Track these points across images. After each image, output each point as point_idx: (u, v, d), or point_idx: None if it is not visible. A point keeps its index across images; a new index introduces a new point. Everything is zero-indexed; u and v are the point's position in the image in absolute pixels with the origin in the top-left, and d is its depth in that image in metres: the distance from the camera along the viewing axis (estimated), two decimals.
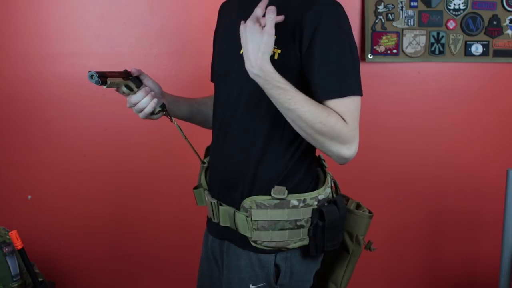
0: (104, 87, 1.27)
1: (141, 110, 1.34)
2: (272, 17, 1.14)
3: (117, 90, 1.33)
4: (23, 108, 2.24)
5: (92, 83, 1.25)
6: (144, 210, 2.31)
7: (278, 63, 1.18)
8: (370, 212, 1.39)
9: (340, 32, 1.19)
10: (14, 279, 1.77)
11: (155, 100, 1.33)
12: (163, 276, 2.37)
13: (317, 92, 1.19)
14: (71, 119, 2.25)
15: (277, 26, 1.19)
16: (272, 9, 1.15)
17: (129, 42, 2.22)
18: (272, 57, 1.17)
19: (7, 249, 1.76)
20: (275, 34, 1.16)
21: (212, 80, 1.51)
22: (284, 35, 1.19)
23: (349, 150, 1.18)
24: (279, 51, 1.20)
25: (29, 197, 2.29)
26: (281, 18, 1.19)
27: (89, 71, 1.24)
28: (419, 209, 2.39)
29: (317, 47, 1.17)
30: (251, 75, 1.15)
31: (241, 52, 1.22)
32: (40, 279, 1.81)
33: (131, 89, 1.32)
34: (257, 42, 1.13)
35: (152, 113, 1.35)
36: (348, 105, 1.18)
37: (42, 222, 2.30)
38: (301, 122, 1.15)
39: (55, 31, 2.21)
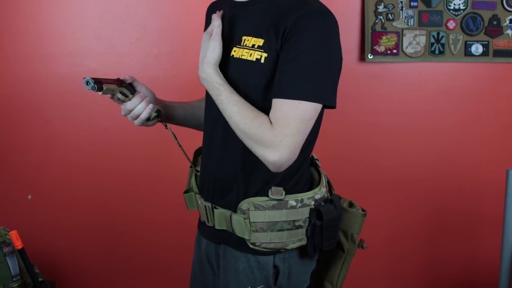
0: (100, 93, 1.27)
1: (137, 117, 1.32)
2: (216, 24, 1.22)
3: (112, 97, 1.33)
4: (23, 108, 2.24)
5: (88, 89, 1.25)
6: (143, 210, 2.32)
7: (264, 67, 1.18)
8: (363, 210, 1.38)
9: (318, 41, 1.15)
10: (14, 279, 1.77)
11: (150, 105, 1.32)
12: (162, 276, 2.37)
13: (278, 90, 1.17)
14: (71, 119, 2.25)
15: (267, 30, 1.19)
16: (215, 16, 1.24)
17: (129, 42, 2.22)
18: (259, 61, 1.19)
19: (7, 249, 1.76)
20: (263, 38, 1.19)
21: None
22: (271, 39, 1.19)
23: (273, 155, 1.13)
24: (266, 55, 1.19)
25: (29, 197, 2.29)
26: (220, 13, 1.27)
27: (84, 78, 1.24)
28: (419, 209, 2.39)
29: (286, 48, 1.16)
30: (201, 81, 1.22)
31: (231, 54, 1.24)
32: (40, 279, 1.81)
33: (126, 96, 1.31)
34: (205, 49, 1.22)
35: (148, 119, 1.34)
36: (286, 110, 1.14)
37: (42, 222, 2.30)
38: (231, 122, 1.19)
39: (55, 31, 2.21)
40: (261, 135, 1.14)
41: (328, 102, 1.18)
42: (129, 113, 1.32)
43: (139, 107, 1.31)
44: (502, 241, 1.89)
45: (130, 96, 1.32)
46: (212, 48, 1.21)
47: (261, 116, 1.16)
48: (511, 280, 1.90)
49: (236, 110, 1.17)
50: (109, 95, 1.31)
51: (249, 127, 1.15)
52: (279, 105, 1.15)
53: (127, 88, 1.33)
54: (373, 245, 1.45)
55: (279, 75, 1.16)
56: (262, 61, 1.19)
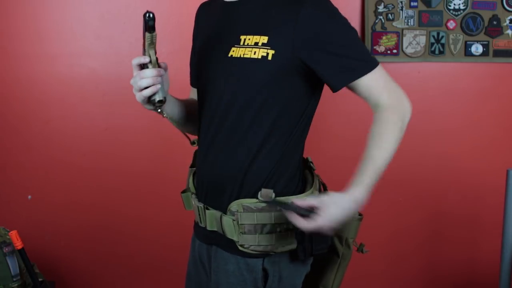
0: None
1: (140, 89, 1.19)
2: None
3: (144, 47, 1.27)
4: (23, 108, 2.24)
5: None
6: (143, 210, 2.32)
7: (272, 63, 1.19)
8: (360, 214, 1.37)
9: (336, 19, 1.22)
10: (14, 279, 1.77)
11: (158, 86, 1.19)
12: (162, 276, 2.37)
13: (349, 73, 1.22)
14: (71, 119, 2.25)
15: (269, 27, 1.20)
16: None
17: (129, 42, 2.22)
18: (265, 58, 1.18)
19: (7, 249, 1.76)
20: (267, 35, 1.19)
21: (192, 85, 1.48)
22: (276, 36, 1.19)
23: (409, 104, 1.26)
24: (273, 51, 1.19)
25: (29, 197, 2.29)
26: None
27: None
28: (419, 210, 2.38)
29: (321, 40, 1.19)
30: (358, 207, 1.24)
31: (229, 55, 1.23)
32: (40, 279, 1.81)
33: (150, 59, 1.22)
34: (337, 205, 1.19)
35: (149, 100, 1.21)
36: (380, 75, 1.23)
37: (42, 222, 2.30)
38: (390, 159, 1.25)
39: (55, 31, 2.21)
40: (398, 123, 1.25)
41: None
42: (139, 81, 1.20)
43: (148, 80, 1.19)
44: (502, 241, 1.89)
45: (153, 63, 1.22)
46: (337, 203, 1.20)
47: (382, 130, 1.26)
48: (511, 281, 1.90)
49: (384, 157, 1.25)
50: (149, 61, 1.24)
51: (395, 141, 1.25)
52: (367, 81, 1.22)
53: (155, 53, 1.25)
54: (373, 245, 1.44)
55: (335, 62, 1.20)
56: (269, 58, 1.19)
